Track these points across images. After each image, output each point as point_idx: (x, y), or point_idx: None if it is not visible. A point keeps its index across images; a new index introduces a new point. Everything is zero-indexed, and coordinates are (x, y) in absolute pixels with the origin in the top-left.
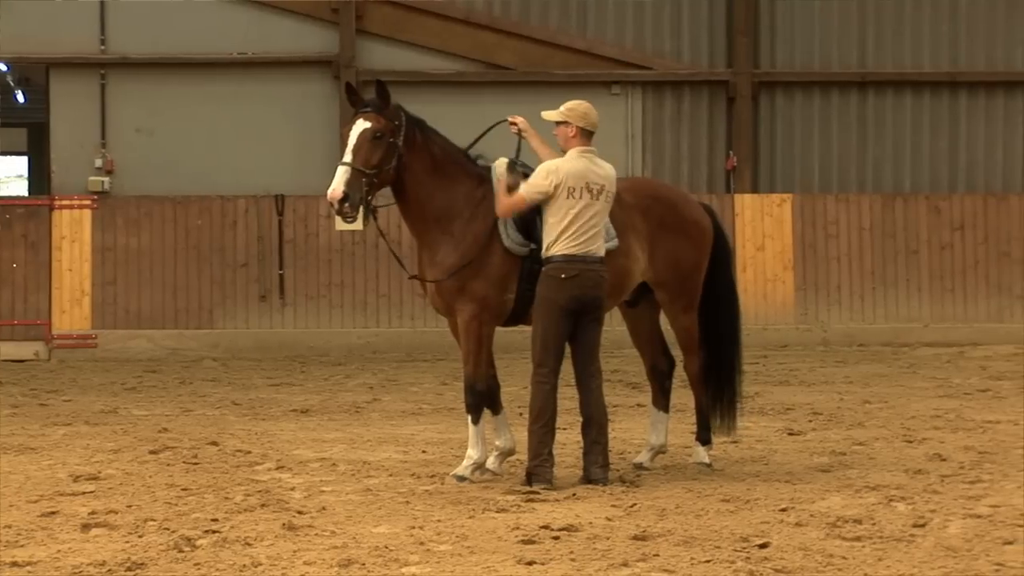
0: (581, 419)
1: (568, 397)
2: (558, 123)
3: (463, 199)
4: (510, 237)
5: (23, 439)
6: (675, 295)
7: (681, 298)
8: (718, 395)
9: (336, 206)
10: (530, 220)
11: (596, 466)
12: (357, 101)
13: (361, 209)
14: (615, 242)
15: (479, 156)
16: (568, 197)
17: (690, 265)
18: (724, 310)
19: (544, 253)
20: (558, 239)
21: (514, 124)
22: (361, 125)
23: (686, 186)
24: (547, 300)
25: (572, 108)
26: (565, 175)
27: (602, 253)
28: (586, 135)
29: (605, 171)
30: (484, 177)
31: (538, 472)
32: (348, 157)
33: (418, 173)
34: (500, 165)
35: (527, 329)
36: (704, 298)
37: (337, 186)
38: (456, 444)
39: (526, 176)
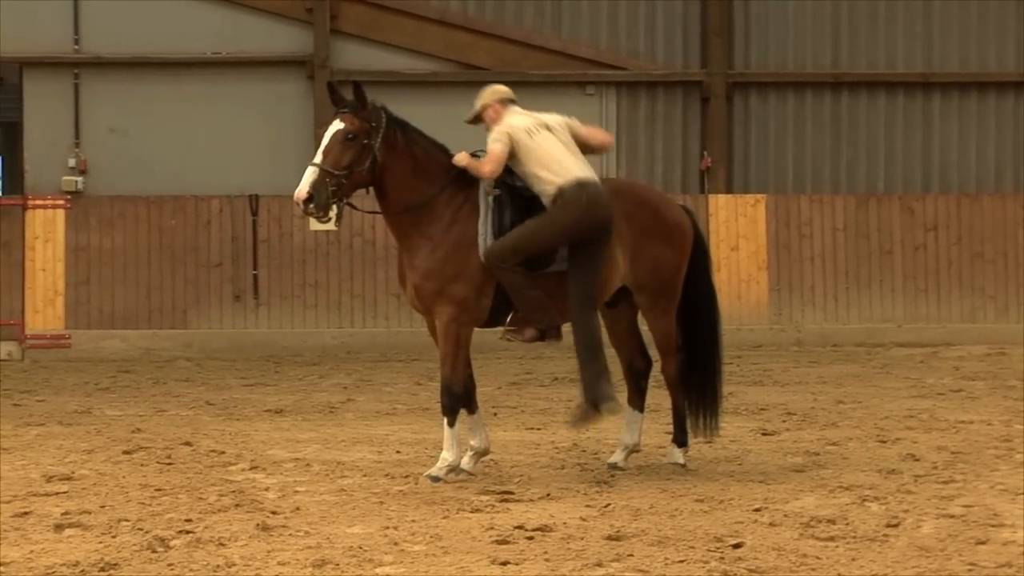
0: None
1: (543, 398)
2: (482, 115)
3: (444, 202)
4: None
5: None
6: (655, 298)
7: (661, 301)
8: (700, 397)
9: (301, 207)
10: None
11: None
12: (338, 101)
13: (335, 209)
14: None
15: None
16: (531, 137)
17: (671, 269)
18: (704, 312)
19: (546, 190)
20: (556, 169)
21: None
22: (335, 126)
23: (660, 186)
24: (565, 224)
25: (483, 95)
26: (513, 127)
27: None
28: (508, 103)
29: (548, 115)
30: (467, 180)
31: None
32: (318, 158)
33: (398, 175)
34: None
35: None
36: (684, 300)
37: (302, 187)
38: (430, 444)
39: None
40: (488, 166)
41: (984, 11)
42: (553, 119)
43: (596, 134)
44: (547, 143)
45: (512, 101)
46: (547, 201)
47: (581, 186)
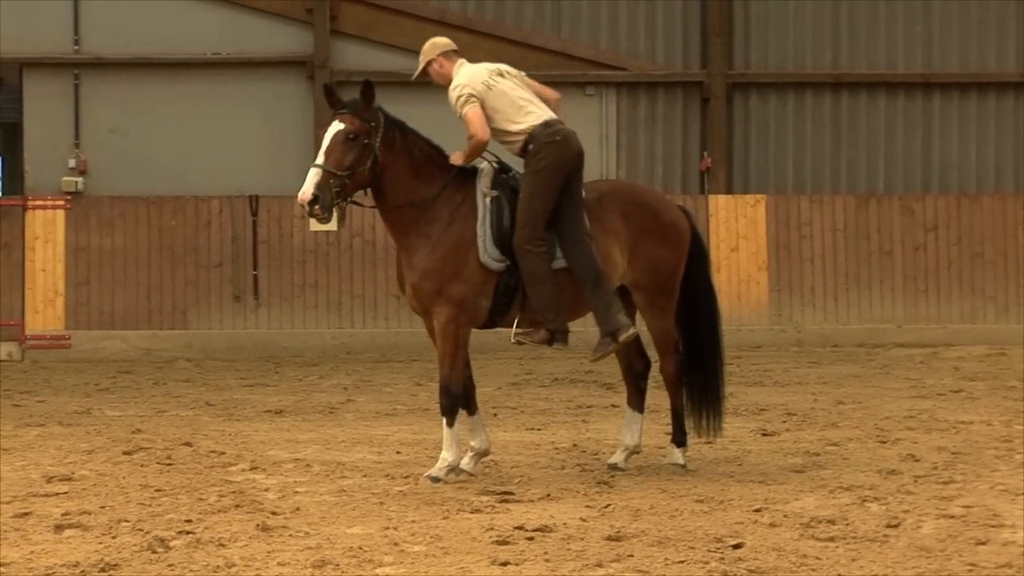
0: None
1: (543, 398)
2: (427, 69)
3: (442, 202)
4: (487, 251)
5: None
6: (653, 298)
7: (659, 300)
8: (701, 397)
9: (306, 208)
10: (508, 236)
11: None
12: (335, 103)
13: (336, 210)
14: None
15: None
16: (490, 89)
17: (669, 268)
18: (703, 312)
19: (515, 139)
20: (522, 117)
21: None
22: (335, 127)
23: (660, 187)
24: (548, 169)
25: (425, 51)
26: (471, 83)
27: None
28: (453, 55)
29: (498, 64)
30: (465, 181)
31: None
32: (320, 159)
33: (398, 175)
34: (488, 169)
35: (502, 331)
36: (683, 301)
37: (307, 188)
38: (430, 445)
39: (511, 177)
40: (477, 132)
41: (984, 11)
42: (504, 66)
43: (547, 88)
44: (506, 90)
45: (455, 52)
46: (516, 151)
47: (549, 125)
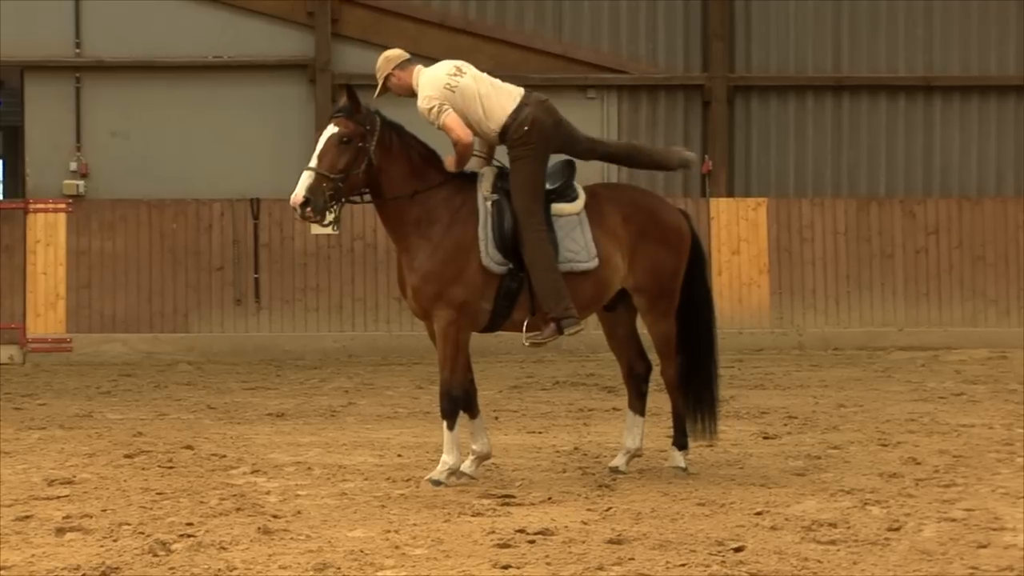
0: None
1: (544, 401)
2: (386, 84)
3: (442, 204)
4: (489, 255)
5: None
6: (654, 301)
7: (659, 304)
8: (697, 400)
9: (298, 211)
10: (509, 239)
11: None
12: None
13: (332, 212)
14: (595, 262)
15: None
16: (454, 92)
17: (669, 271)
18: (701, 315)
19: (490, 136)
20: (493, 109)
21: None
22: (329, 130)
23: (661, 190)
24: (526, 159)
25: (379, 67)
26: (436, 90)
27: None
28: (409, 64)
29: (450, 61)
30: (464, 183)
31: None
32: (313, 162)
33: (395, 178)
34: (488, 173)
35: (503, 334)
36: (681, 303)
37: (298, 191)
38: (432, 448)
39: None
40: (461, 136)
41: (985, 14)
42: (459, 62)
43: None
44: (468, 89)
45: (409, 61)
46: (494, 141)
47: (515, 117)
